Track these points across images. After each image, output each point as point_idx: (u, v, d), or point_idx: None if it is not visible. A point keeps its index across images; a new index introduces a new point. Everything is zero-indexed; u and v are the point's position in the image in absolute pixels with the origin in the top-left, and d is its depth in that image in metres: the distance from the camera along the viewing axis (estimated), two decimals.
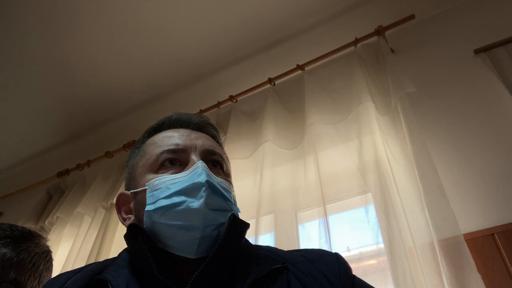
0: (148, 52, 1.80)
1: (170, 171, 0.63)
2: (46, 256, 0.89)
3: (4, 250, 0.78)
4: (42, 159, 2.41)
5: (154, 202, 0.59)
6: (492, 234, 1.02)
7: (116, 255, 0.65)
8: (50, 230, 1.89)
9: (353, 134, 1.35)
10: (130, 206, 0.66)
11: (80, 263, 1.53)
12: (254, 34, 1.75)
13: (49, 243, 0.92)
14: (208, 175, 0.60)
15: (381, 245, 1.12)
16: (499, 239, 1.00)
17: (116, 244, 1.64)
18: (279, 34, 1.76)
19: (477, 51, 1.37)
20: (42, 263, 0.86)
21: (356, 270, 0.65)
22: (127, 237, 0.61)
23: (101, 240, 1.61)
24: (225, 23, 1.70)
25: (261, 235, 1.27)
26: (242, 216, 0.64)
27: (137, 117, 2.12)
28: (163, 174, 0.62)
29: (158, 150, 0.65)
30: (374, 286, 0.62)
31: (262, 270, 0.56)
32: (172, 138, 0.67)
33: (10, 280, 0.76)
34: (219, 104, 1.80)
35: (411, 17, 1.50)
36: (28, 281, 0.80)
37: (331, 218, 1.30)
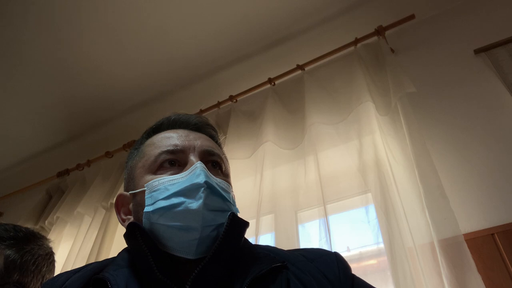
0: (148, 52, 1.80)
1: (169, 172, 0.63)
2: (49, 258, 0.89)
3: (8, 252, 0.79)
4: (42, 159, 2.41)
5: (153, 203, 0.59)
6: (492, 234, 1.02)
7: (116, 255, 0.65)
8: (50, 230, 1.89)
9: (353, 134, 1.35)
10: (129, 207, 0.66)
11: (80, 263, 1.53)
12: (254, 34, 1.75)
13: (51, 244, 0.93)
14: (206, 176, 0.60)
15: (381, 245, 1.12)
16: (499, 239, 1.00)
17: (116, 244, 1.64)
18: (279, 34, 1.76)
19: (477, 51, 1.37)
20: (45, 265, 0.86)
21: (356, 270, 0.65)
22: (126, 236, 0.61)
23: (101, 240, 1.61)
24: (225, 23, 1.69)
25: (261, 235, 1.27)
26: (242, 216, 0.63)
27: (137, 117, 2.12)
28: (162, 175, 0.62)
29: (157, 151, 0.65)
30: (373, 286, 0.62)
31: (261, 268, 0.56)
32: (170, 139, 0.67)
33: (13, 282, 0.77)
34: (219, 104, 1.79)
35: (411, 17, 1.50)
36: (31, 283, 0.81)
37: (331, 218, 1.30)
